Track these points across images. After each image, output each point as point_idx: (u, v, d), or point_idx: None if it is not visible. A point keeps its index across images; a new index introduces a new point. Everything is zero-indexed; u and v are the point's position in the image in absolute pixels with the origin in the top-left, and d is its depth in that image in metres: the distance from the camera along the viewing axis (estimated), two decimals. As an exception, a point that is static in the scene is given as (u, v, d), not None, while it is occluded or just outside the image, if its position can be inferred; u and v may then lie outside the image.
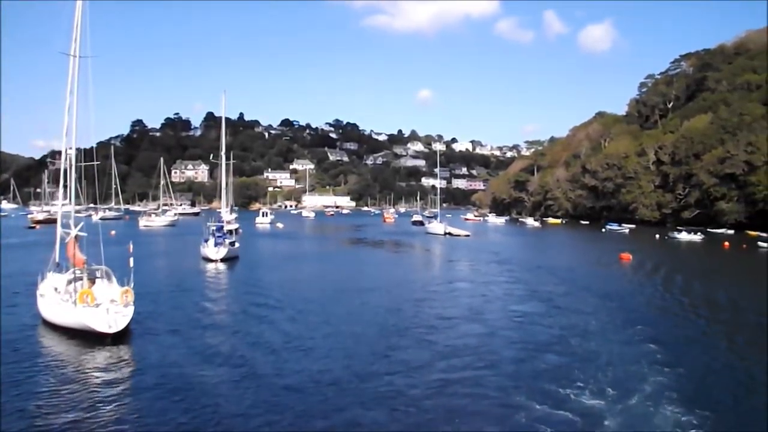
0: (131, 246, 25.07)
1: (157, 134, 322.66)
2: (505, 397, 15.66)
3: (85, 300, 21.17)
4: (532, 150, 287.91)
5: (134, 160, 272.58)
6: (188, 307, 27.94)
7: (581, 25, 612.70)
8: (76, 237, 24.51)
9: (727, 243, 77.21)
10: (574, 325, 24.89)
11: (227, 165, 62.32)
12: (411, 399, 15.43)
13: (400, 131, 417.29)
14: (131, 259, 23.09)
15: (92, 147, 31.58)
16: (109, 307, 20.99)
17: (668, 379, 17.12)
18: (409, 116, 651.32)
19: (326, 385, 16.39)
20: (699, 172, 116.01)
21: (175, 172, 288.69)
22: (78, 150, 26.69)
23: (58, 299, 22.19)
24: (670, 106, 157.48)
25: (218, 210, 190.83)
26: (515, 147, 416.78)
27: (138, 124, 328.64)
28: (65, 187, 27.10)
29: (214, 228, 48.99)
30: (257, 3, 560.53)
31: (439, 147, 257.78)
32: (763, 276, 46.00)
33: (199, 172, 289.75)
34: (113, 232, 77.15)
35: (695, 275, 44.90)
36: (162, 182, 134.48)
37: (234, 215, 55.27)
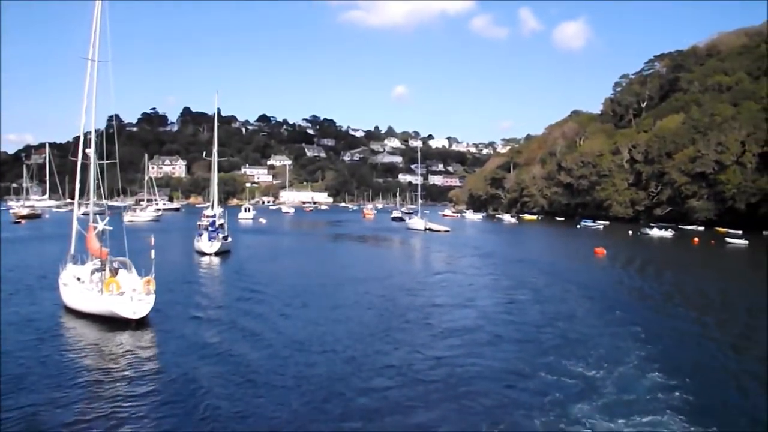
0: (152, 239, 26.61)
1: (134, 129, 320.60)
2: (510, 368, 17.82)
3: (111, 289, 22.79)
4: (509, 147, 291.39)
5: (111, 155, 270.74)
6: (195, 296, 29.76)
7: (556, 23, 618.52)
8: (103, 231, 26.01)
9: (696, 239, 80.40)
10: (560, 310, 27.22)
11: (212, 162, 63.57)
12: (419, 370, 17.41)
13: (377, 127, 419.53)
14: (153, 251, 24.64)
15: (116, 131, 32.71)
16: (132, 295, 22.65)
17: (649, 353, 19.37)
18: (386, 112, 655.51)
19: (343, 359, 18.32)
20: (671, 171, 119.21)
21: (153, 168, 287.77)
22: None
23: (84, 288, 23.75)
24: (643, 105, 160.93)
25: (197, 205, 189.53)
26: (491, 144, 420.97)
27: (114, 118, 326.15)
28: (82, 183, 28.75)
29: (207, 223, 50.57)
30: (235, 2, 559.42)
31: (418, 144, 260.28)
32: (729, 268, 49.00)
33: (176, 168, 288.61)
34: (101, 227, 78.34)
35: (665, 267, 47.35)
36: (146, 177, 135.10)
37: (219, 210, 56.96)
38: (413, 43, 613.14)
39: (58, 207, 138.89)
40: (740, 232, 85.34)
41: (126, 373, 16.79)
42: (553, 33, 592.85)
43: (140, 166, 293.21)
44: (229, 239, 51.92)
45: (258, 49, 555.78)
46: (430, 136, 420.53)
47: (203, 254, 47.58)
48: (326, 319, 24.58)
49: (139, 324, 21.87)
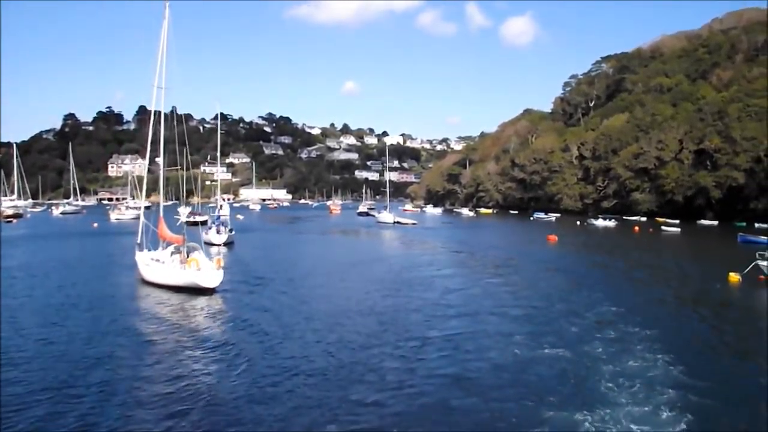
0: (224, 227, 33.21)
1: (90, 128, 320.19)
2: (510, 306, 25.16)
3: (192, 265, 29.50)
4: (463, 144, 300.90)
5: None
6: (234, 273, 36.48)
7: (503, 18, 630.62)
8: (183, 223, 32.77)
9: (636, 227, 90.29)
10: (537, 278, 35.14)
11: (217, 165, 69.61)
12: (439, 306, 24.25)
13: (332, 124, 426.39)
14: (219, 237, 31.47)
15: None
16: (208, 270, 29.39)
17: (613, 299, 26.74)
18: (339, 109, 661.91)
19: (382, 306, 25.14)
20: (616, 167, 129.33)
21: (112, 167, 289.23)
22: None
23: (166, 266, 30.40)
24: (591, 104, 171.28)
25: (158, 203, 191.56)
26: (445, 140, 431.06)
27: (70, 117, 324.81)
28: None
29: (215, 218, 57.24)
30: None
31: (388, 141, 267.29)
32: (662, 248, 58.43)
33: (136, 167, 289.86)
34: (96, 225, 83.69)
35: (608, 250, 56.14)
36: (129, 177, 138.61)
37: (227, 209, 63.89)
38: (362, 40, 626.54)
39: (32, 207, 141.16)
40: (677, 221, 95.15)
41: (214, 320, 23.10)
42: (501, 29, 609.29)
43: (98, 166, 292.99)
44: (233, 232, 58.44)
45: (206, 45, 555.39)
46: (385, 133, 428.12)
47: (212, 245, 53.85)
48: (353, 286, 31.64)
49: (213, 292, 28.55)
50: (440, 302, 26.36)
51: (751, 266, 31.38)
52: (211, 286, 28.48)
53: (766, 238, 36.07)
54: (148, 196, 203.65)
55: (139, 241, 33.80)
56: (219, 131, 70.51)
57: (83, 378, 14.97)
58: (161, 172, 34.72)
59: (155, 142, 34.29)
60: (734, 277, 31.87)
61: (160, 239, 32.99)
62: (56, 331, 19.94)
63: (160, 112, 34.46)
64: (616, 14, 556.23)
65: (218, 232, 54.80)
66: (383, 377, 15.38)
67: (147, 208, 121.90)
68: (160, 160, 34.82)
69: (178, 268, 29.78)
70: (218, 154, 67.27)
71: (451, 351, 18.01)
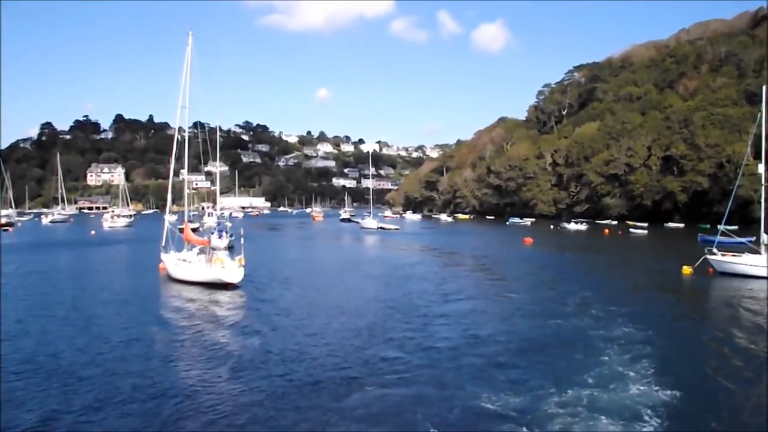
0: (242, 231, 37.25)
1: (67, 137, 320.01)
2: (503, 293, 29.40)
3: (217, 263, 33.47)
4: (440, 152, 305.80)
5: (48, 164, 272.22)
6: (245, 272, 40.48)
7: (474, 25, 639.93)
8: (206, 228, 36.70)
9: (606, 230, 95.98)
10: (517, 271, 39.72)
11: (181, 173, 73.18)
12: (435, 293, 28.27)
13: (309, 132, 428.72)
14: (242, 239, 35.59)
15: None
16: (231, 268, 33.38)
17: (588, 288, 31.11)
18: (316, 117, 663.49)
19: (394, 296, 29.12)
20: (588, 173, 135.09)
21: (91, 176, 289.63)
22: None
23: (193, 264, 34.32)
24: (564, 113, 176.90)
25: (142, 212, 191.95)
26: (420, 147, 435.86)
27: (47, 126, 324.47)
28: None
29: (215, 224, 61.26)
30: (152, 3, 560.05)
31: (364, 148, 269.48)
32: (627, 248, 63.77)
33: (115, 176, 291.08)
34: (93, 232, 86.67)
35: (577, 249, 60.94)
36: (121, 186, 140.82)
37: (227, 214, 67.97)
38: (334, 47, 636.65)
39: (18, 216, 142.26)
40: (645, 224, 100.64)
41: (237, 307, 26.94)
42: (472, 35, 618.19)
43: (77, 175, 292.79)
44: (233, 237, 62.30)
45: (178, 52, 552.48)
46: (361, 141, 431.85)
47: (215, 248, 57.69)
48: (357, 281, 35.73)
49: (235, 286, 32.48)
50: (438, 291, 30.42)
51: (700, 260, 36.60)
52: (235, 281, 32.46)
53: (720, 237, 40.71)
54: (126, 205, 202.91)
55: (163, 244, 37.82)
56: (218, 143, 73.03)
57: (158, 353, 18.94)
58: (185, 183, 38.44)
59: (180, 156, 38.06)
60: (687, 269, 37.07)
61: (185, 242, 36.95)
62: (121, 318, 23.66)
63: (183, 129, 38.13)
64: (587, 21, 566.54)
65: (220, 236, 58.67)
66: (407, 343, 19.24)
67: (133, 215, 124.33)
68: (184, 171, 38.56)
69: (205, 266, 33.76)
70: (217, 164, 70.81)
71: (458, 324, 22.11)
